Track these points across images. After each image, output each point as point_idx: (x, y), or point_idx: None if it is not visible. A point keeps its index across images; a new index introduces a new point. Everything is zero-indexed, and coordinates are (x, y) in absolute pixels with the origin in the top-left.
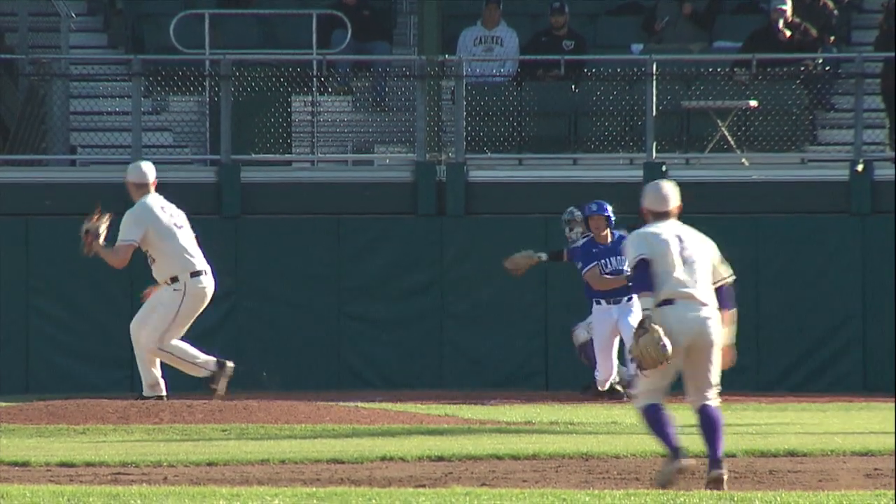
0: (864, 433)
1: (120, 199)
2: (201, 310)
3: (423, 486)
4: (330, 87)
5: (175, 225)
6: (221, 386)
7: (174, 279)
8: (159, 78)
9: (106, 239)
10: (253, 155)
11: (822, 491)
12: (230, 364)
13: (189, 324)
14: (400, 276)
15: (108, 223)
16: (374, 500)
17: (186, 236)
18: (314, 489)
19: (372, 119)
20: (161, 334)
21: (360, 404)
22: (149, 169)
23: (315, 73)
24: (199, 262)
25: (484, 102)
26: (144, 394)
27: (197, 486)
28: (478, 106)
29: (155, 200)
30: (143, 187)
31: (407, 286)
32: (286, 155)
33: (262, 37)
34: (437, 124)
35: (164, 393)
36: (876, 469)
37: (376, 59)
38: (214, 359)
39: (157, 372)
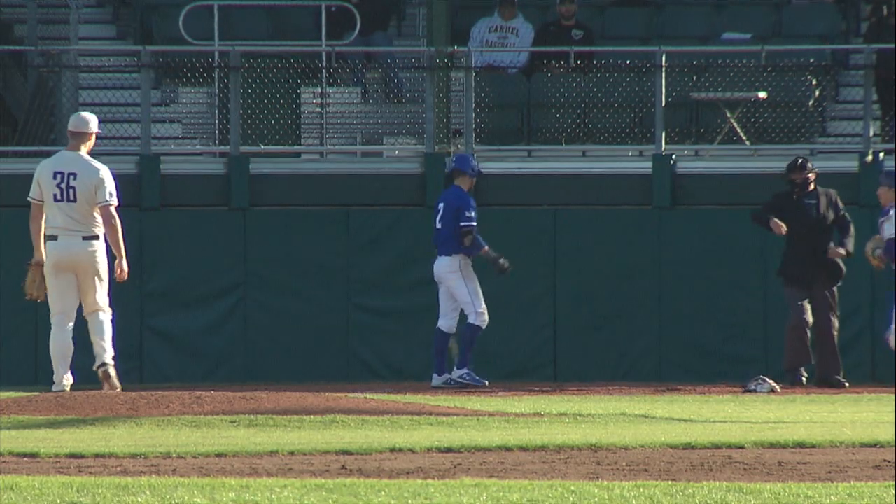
0: (873, 424)
1: (127, 191)
2: (64, 277)
3: (432, 477)
4: (339, 79)
5: (59, 187)
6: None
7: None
8: (168, 69)
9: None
10: (262, 146)
11: (831, 482)
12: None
13: (58, 294)
14: (409, 267)
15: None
16: (382, 492)
17: (69, 201)
18: (323, 480)
19: (381, 110)
20: (51, 304)
21: (368, 395)
22: (78, 119)
23: (324, 64)
24: (56, 228)
25: (493, 94)
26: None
27: (206, 477)
28: (487, 97)
29: (60, 157)
30: (77, 137)
31: (416, 278)
32: (295, 146)
33: (271, 28)
34: (447, 116)
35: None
36: (885, 460)
37: (386, 50)
38: (65, 377)
39: (55, 362)
